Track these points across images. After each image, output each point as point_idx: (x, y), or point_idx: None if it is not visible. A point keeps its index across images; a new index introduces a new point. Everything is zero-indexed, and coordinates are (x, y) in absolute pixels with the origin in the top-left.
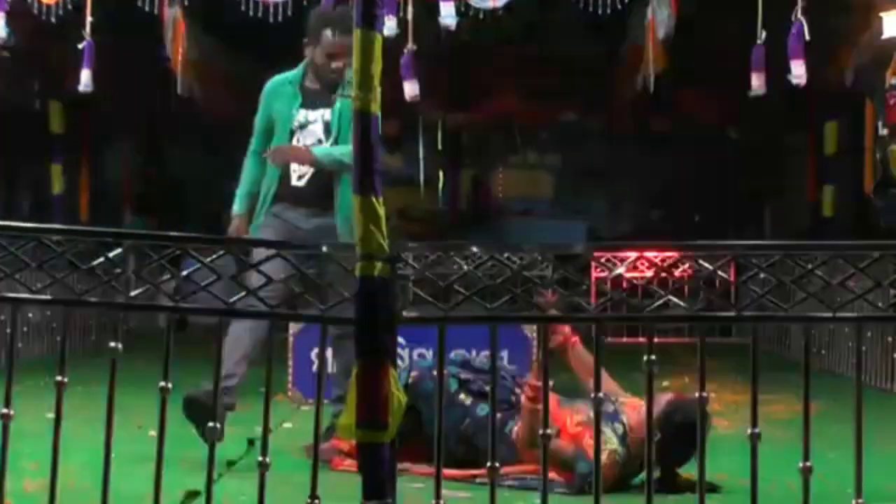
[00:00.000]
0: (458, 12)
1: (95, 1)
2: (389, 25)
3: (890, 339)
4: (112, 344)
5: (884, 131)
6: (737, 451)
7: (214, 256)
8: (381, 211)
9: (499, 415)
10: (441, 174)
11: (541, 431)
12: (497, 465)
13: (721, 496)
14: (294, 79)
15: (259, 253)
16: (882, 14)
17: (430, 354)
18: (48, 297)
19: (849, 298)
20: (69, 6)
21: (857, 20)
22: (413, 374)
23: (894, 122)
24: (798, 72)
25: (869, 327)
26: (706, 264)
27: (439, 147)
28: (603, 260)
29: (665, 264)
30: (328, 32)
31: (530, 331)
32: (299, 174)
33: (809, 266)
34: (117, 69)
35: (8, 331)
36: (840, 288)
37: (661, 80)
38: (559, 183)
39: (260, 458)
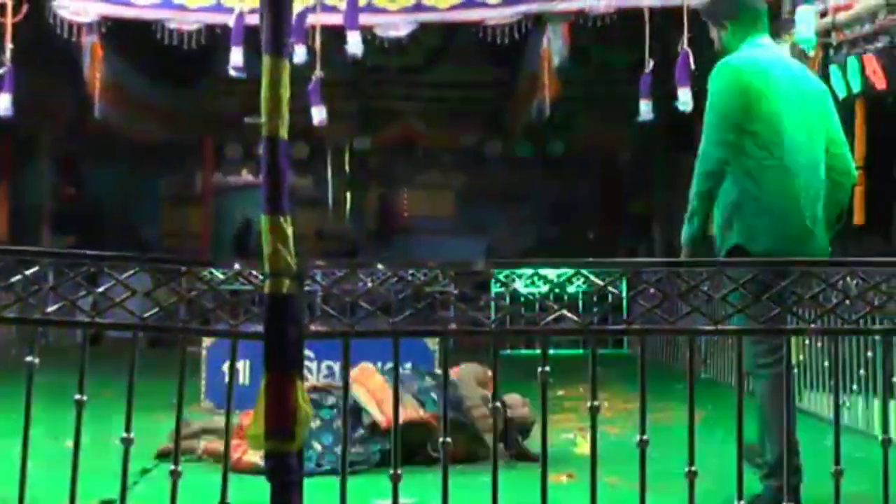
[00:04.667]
0: (364, 41)
1: (15, 28)
2: (298, 53)
3: None
4: (29, 358)
5: None
6: (627, 457)
7: (129, 273)
8: (289, 230)
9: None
10: (349, 195)
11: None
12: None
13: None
14: None
15: None
16: None
17: (336, 367)
18: None
19: (730, 312)
20: None
21: None
22: None
23: None
24: (684, 98)
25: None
26: (598, 280)
27: (347, 169)
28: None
29: (560, 280)
30: None
31: (432, 343)
32: None
33: (694, 282)
34: (36, 94)
35: None
36: (722, 302)
37: (556, 106)
38: (461, 202)
39: (172, 467)
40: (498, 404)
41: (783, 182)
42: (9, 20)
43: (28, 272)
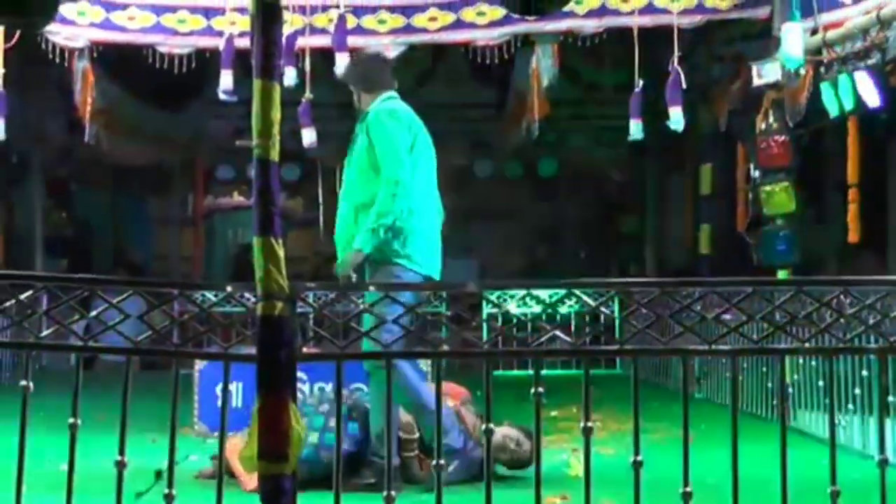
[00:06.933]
0: None
1: (7, 53)
2: (288, 75)
3: (764, 369)
4: (23, 382)
5: (755, 173)
6: (621, 478)
7: (122, 297)
8: (281, 252)
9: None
10: None
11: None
12: None
13: None
14: None
15: None
16: (752, 63)
17: (329, 388)
18: None
19: (723, 332)
20: None
21: (729, 69)
22: None
23: (765, 164)
24: (675, 117)
25: (743, 358)
26: (591, 300)
27: (337, 191)
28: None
29: (552, 301)
30: None
31: (424, 364)
32: None
33: (687, 301)
34: (28, 118)
35: None
36: (715, 322)
37: (546, 126)
38: (451, 223)
39: (166, 490)
40: (492, 426)
41: None
42: (0, 46)
43: (22, 296)
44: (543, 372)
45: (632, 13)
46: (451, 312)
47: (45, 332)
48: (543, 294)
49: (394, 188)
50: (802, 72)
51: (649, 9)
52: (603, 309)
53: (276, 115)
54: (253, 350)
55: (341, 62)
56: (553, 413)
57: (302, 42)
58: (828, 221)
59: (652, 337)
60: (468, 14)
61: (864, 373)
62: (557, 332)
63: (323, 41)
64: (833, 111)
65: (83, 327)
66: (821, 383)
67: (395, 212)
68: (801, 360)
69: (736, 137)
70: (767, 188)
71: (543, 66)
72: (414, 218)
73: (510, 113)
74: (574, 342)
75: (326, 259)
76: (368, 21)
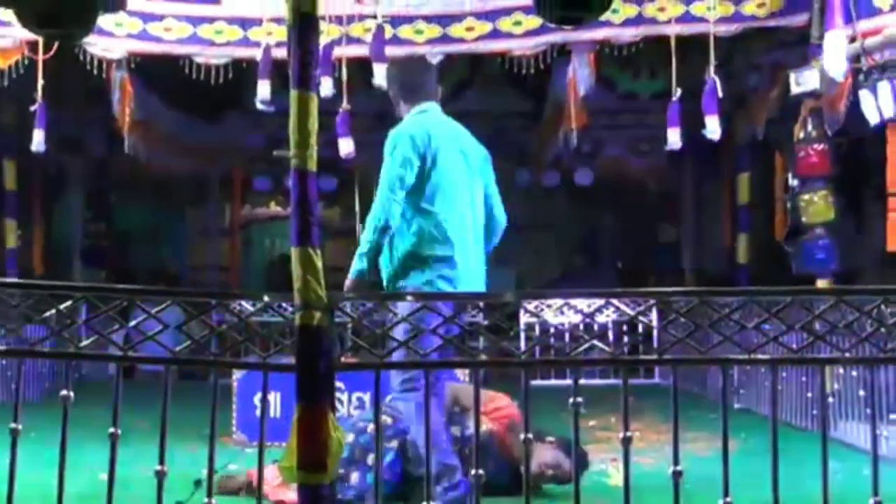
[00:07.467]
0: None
1: (46, 65)
2: (325, 85)
3: (804, 378)
4: (63, 392)
5: (794, 182)
6: (660, 488)
7: (161, 307)
8: (319, 262)
9: None
10: None
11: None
12: None
13: None
14: None
15: None
16: (790, 71)
17: (367, 397)
18: (2, 347)
19: (763, 341)
20: (21, 70)
21: (767, 77)
22: None
23: (803, 173)
24: (712, 126)
25: (783, 368)
26: (629, 310)
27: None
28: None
29: (590, 310)
30: None
31: (462, 374)
32: None
33: (726, 311)
34: (67, 130)
35: None
36: (755, 331)
37: (583, 135)
38: None
39: (206, 500)
40: (531, 435)
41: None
42: (40, 57)
43: (62, 306)
44: (581, 381)
45: (668, 22)
46: (488, 322)
47: (84, 342)
48: (581, 304)
49: (378, 217)
50: (841, 80)
51: (686, 17)
52: (641, 318)
53: (314, 125)
54: (291, 360)
55: (378, 72)
56: (591, 423)
57: (339, 52)
58: (867, 230)
59: (691, 346)
60: (505, 23)
61: None
62: (595, 342)
63: (360, 51)
64: (872, 119)
65: (122, 337)
66: (862, 393)
67: (373, 241)
68: (841, 370)
69: (774, 146)
70: (806, 197)
71: (580, 75)
72: (429, 244)
73: (547, 122)
74: (612, 352)
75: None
76: (405, 31)
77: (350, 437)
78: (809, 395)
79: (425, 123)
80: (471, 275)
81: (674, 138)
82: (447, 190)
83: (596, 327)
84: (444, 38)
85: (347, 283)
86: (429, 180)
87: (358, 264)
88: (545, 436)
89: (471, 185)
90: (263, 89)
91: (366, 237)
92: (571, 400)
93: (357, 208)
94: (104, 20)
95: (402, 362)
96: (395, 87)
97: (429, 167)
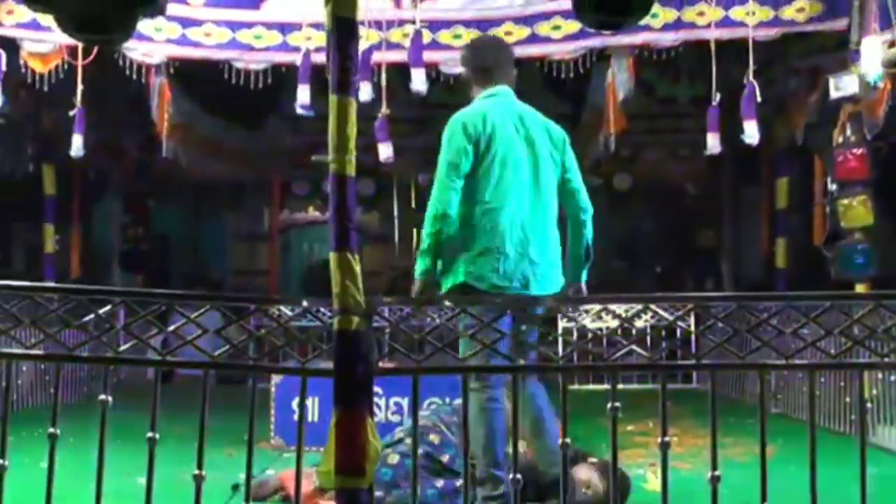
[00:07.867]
0: (429, 78)
1: (85, 70)
2: (364, 90)
3: (842, 383)
4: (102, 396)
5: (833, 187)
6: (698, 493)
7: (199, 312)
8: (357, 267)
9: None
10: (415, 231)
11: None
12: None
13: None
14: None
15: None
16: (829, 76)
17: (405, 402)
18: (41, 352)
19: (801, 346)
20: (61, 75)
21: (806, 82)
22: None
23: (842, 177)
24: (751, 131)
25: (821, 373)
26: (667, 315)
27: (413, 205)
28: (569, 312)
29: (628, 315)
30: None
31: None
32: None
33: (764, 315)
34: (106, 134)
35: (3, 384)
36: (793, 336)
37: (622, 140)
38: None
39: None
40: (568, 440)
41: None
42: (80, 62)
43: (100, 311)
44: (619, 386)
45: (708, 26)
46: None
47: (123, 347)
48: (619, 308)
49: (436, 207)
50: (881, 84)
51: (725, 22)
52: (679, 323)
53: (352, 130)
54: (330, 364)
55: (417, 77)
56: (629, 427)
57: (378, 57)
58: None
59: (729, 351)
60: (543, 28)
61: None
62: (634, 347)
63: (399, 56)
64: None
65: (160, 342)
66: None
67: (432, 233)
68: (880, 375)
69: (813, 151)
70: (845, 201)
71: (619, 80)
72: (482, 235)
73: (586, 127)
74: (650, 357)
75: (402, 273)
76: (444, 36)
77: (395, 459)
78: (847, 400)
79: (483, 108)
80: (528, 267)
81: (713, 143)
82: (502, 177)
83: (634, 332)
84: None
85: (414, 285)
86: (480, 166)
87: (421, 264)
88: (588, 455)
89: (535, 172)
90: (304, 94)
91: (425, 231)
92: (609, 405)
93: (395, 212)
94: (144, 25)
95: (440, 367)
96: (469, 69)
97: (482, 152)
